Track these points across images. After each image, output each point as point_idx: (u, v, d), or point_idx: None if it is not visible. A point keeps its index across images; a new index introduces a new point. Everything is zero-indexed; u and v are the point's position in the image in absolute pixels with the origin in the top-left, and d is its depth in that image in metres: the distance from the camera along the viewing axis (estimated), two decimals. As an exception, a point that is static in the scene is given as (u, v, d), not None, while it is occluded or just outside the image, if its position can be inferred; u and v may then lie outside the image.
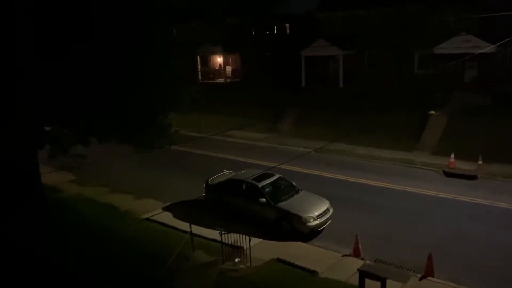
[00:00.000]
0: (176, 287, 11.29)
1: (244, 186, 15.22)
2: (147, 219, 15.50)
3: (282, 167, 17.31)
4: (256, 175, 15.52)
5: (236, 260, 12.25)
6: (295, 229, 13.68)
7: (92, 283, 11.33)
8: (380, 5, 29.54)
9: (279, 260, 12.41)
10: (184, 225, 13.81)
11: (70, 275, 11.42)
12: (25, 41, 10.95)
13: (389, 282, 9.72)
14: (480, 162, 19.28)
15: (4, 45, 10.82)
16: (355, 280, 10.49)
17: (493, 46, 23.50)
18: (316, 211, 13.90)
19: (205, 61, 42.12)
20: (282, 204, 14.18)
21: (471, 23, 24.67)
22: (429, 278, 11.13)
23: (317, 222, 13.66)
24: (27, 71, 11.12)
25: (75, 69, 11.32)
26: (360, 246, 12.43)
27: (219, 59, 41.91)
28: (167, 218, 15.57)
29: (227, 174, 16.98)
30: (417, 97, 25.80)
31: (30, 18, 10.81)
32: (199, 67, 41.35)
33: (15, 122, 11.52)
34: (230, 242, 12.38)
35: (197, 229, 13.33)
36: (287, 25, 39.33)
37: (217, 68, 42.05)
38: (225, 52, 39.74)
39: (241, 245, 12.32)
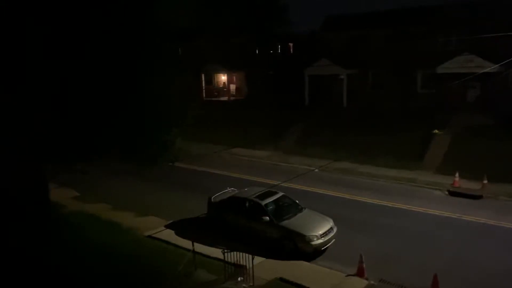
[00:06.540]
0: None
1: (247, 204, 15.15)
2: (150, 236, 15.41)
3: (285, 185, 17.31)
4: (259, 193, 15.46)
5: (239, 279, 12.09)
6: (298, 248, 13.55)
7: None
8: (383, 26, 29.94)
9: (282, 280, 12.25)
10: (186, 243, 13.71)
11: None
12: (31, 51, 11.06)
13: (394, 303, 9.58)
14: (485, 182, 19.16)
15: (13, 56, 10.95)
16: (359, 301, 10.35)
17: (495, 66, 23.67)
18: (320, 229, 13.78)
19: (210, 79, 42.51)
20: (286, 223, 14.08)
21: (474, 43, 24.90)
22: (435, 299, 10.96)
23: (320, 241, 13.53)
24: (35, 85, 11.21)
25: (79, 86, 11.40)
26: (364, 266, 12.26)
27: (223, 78, 42.28)
28: (170, 235, 15.48)
29: (230, 191, 16.93)
30: (420, 116, 25.89)
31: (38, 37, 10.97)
32: (204, 85, 41.71)
33: (23, 137, 11.58)
34: (232, 261, 12.25)
35: (199, 247, 13.21)
36: (291, 44, 39.89)
37: (221, 86, 42.40)
38: (229, 71, 40.15)
39: (244, 264, 12.17)
